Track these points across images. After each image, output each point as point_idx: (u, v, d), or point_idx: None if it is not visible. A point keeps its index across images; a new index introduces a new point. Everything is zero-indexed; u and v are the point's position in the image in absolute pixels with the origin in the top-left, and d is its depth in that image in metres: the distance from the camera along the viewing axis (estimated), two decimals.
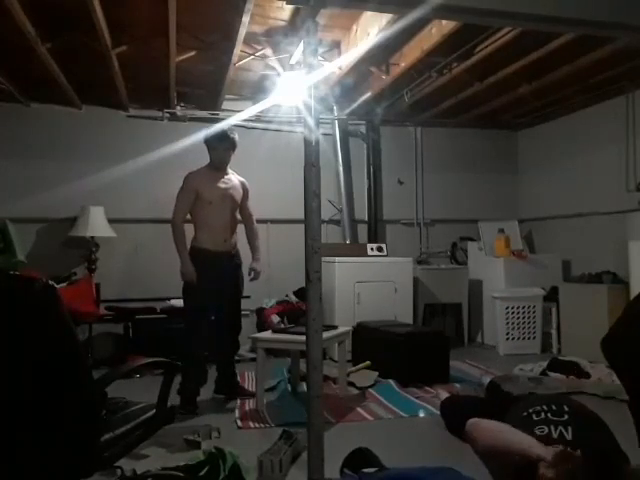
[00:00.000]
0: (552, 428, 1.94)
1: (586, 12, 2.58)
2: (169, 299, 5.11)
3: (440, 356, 4.22)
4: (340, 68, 4.53)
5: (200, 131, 5.33)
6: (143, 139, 5.39)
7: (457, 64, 4.46)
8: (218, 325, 3.75)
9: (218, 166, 3.73)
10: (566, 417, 1.98)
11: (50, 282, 1.58)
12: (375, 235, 6.02)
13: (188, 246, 3.67)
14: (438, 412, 3.27)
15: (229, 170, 3.82)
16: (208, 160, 3.79)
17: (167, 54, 4.10)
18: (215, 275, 3.60)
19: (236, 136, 3.77)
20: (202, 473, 2.25)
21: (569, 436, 1.89)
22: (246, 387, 4.08)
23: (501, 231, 5.85)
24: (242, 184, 3.90)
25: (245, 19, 3.48)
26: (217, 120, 5.52)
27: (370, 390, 3.95)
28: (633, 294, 4.23)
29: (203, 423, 3.01)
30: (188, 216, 3.76)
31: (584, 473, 1.74)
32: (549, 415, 2.01)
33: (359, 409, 3.53)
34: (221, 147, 3.68)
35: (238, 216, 3.89)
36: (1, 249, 4.52)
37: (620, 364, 1.95)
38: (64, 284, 4.55)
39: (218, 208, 3.66)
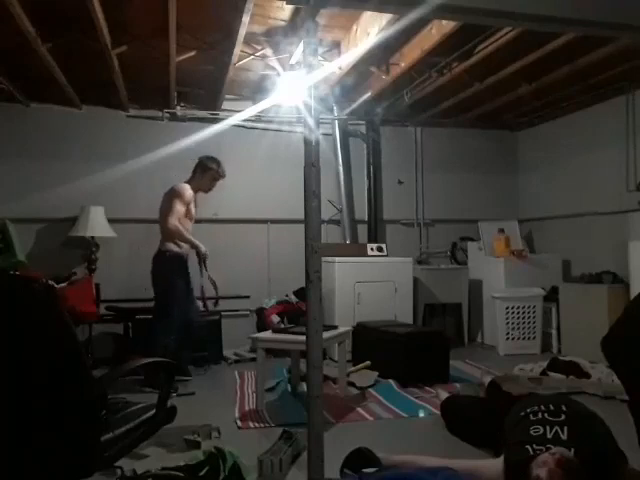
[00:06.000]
0: (547, 428, 1.94)
1: (586, 12, 2.58)
2: None
3: (440, 356, 4.22)
4: (340, 68, 4.53)
5: (200, 131, 5.43)
6: (143, 139, 5.39)
7: (457, 64, 4.46)
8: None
9: (205, 189, 4.35)
10: (563, 417, 1.98)
11: (50, 282, 1.58)
12: (375, 235, 6.01)
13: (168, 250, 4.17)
14: (438, 412, 3.27)
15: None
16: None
17: (167, 54, 4.10)
18: None
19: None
20: (202, 473, 2.25)
21: (564, 436, 1.89)
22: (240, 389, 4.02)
23: (501, 231, 5.85)
24: None
25: (245, 19, 3.48)
26: (217, 120, 5.54)
27: (370, 390, 3.95)
28: (633, 294, 4.23)
29: (203, 423, 3.01)
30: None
31: (579, 474, 1.75)
32: (546, 415, 2.01)
33: (359, 409, 3.53)
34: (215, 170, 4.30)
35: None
36: (1, 249, 4.51)
37: (620, 364, 1.96)
38: (64, 284, 4.54)
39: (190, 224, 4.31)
